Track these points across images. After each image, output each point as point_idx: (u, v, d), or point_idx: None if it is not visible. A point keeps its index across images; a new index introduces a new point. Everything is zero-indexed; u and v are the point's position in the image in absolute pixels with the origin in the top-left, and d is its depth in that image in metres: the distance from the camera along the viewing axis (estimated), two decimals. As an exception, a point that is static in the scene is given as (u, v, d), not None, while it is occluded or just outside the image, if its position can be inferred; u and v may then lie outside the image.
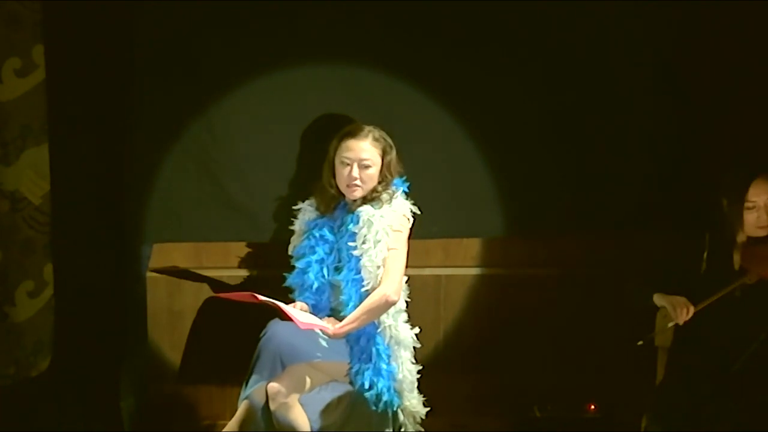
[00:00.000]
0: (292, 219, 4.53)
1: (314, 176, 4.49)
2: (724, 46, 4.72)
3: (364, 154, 4.35)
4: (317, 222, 4.47)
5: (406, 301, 4.41)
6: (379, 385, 4.26)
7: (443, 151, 4.79)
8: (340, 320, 4.33)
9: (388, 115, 4.67)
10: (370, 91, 4.72)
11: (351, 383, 4.30)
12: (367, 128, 4.39)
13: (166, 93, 4.67)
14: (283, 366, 4.20)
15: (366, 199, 4.38)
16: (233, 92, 4.70)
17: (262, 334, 4.27)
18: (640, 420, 4.39)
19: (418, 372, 4.40)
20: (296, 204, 4.55)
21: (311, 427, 4.24)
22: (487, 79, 4.75)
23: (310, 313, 4.41)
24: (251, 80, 4.70)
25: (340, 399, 4.29)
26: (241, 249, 4.91)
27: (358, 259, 4.31)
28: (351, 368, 4.30)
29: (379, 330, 4.32)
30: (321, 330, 4.28)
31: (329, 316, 4.43)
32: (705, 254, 4.35)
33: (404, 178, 4.45)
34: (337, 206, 4.46)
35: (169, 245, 4.88)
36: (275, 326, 4.27)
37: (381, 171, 4.39)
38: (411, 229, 4.39)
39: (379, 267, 4.28)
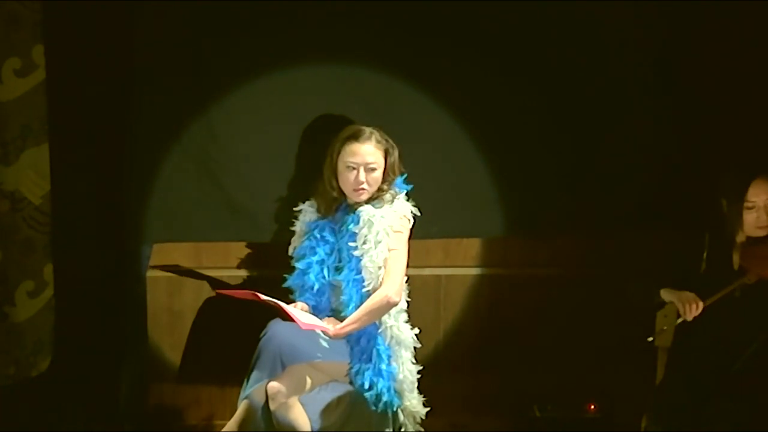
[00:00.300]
0: (293, 220, 4.53)
1: (314, 176, 4.49)
2: (724, 45, 4.72)
3: (369, 158, 4.35)
4: (318, 223, 4.46)
5: (407, 301, 4.41)
6: (379, 386, 4.26)
7: (443, 151, 4.79)
8: (341, 320, 4.33)
9: (388, 115, 4.67)
10: (370, 91, 4.72)
11: (351, 383, 4.30)
12: (368, 130, 4.39)
13: (166, 93, 4.66)
14: (284, 366, 4.20)
15: (368, 199, 4.38)
16: (233, 92, 4.70)
17: (262, 334, 4.27)
18: (640, 420, 4.40)
19: (418, 372, 4.40)
20: (297, 204, 4.55)
21: (311, 427, 4.24)
22: (487, 79, 4.75)
23: (311, 313, 4.40)
24: (251, 80, 4.70)
25: (340, 399, 4.29)
26: (241, 249, 4.90)
27: (359, 259, 4.31)
28: (351, 368, 4.30)
29: (379, 330, 4.32)
30: (321, 330, 4.28)
31: (330, 316, 4.43)
32: (705, 254, 4.35)
33: (405, 175, 4.44)
34: (339, 208, 4.45)
35: (169, 245, 4.88)
36: (276, 326, 4.27)
37: (384, 172, 4.39)
38: (411, 230, 4.39)
39: (380, 267, 4.28)
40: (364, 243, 4.30)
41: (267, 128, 4.73)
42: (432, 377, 4.49)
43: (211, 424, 4.90)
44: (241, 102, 4.70)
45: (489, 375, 4.96)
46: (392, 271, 4.28)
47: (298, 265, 4.47)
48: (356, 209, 4.37)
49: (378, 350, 4.29)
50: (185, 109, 4.69)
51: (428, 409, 4.44)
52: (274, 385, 4.17)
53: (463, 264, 5.00)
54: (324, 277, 4.43)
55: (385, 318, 4.31)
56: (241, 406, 4.30)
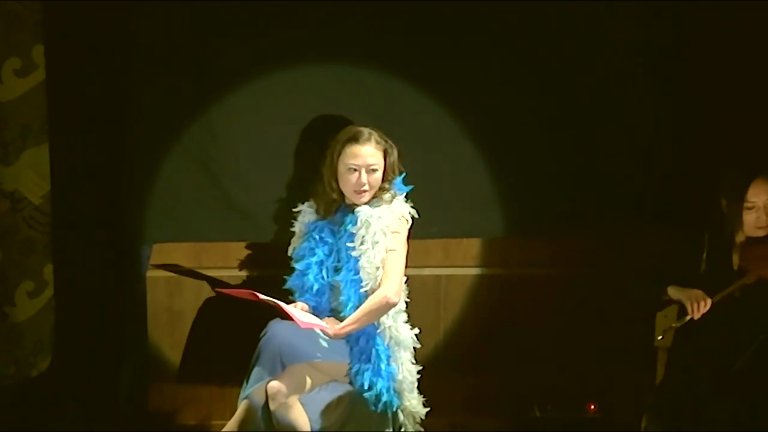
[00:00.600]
0: (292, 221, 4.53)
1: (314, 176, 4.49)
2: (723, 45, 4.72)
3: (370, 160, 4.34)
4: (317, 224, 4.46)
5: (406, 302, 4.41)
6: (379, 386, 4.26)
7: (443, 151, 4.79)
8: (341, 321, 4.33)
9: (388, 115, 4.67)
10: (370, 91, 4.72)
11: (351, 383, 4.30)
12: (367, 131, 4.38)
13: (166, 93, 4.67)
14: (283, 366, 4.20)
15: (367, 200, 4.38)
16: (233, 92, 4.70)
17: (262, 334, 4.27)
18: (640, 420, 4.40)
19: (418, 372, 4.40)
20: (297, 204, 4.54)
21: (311, 427, 4.24)
22: (487, 79, 4.75)
23: (311, 313, 4.40)
24: (251, 80, 4.70)
25: (340, 399, 4.29)
26: (241, 249, 4.90)
27: (357, 260, 4.31)
28: (350, 368, 4.30)
29: (379, 331, 4.32)
30: (321, 330, 4.28)
31: (329, 317, 4.42)
32: (704, 254, 4.35)
33: (404, 175, 4.44)
34: (338, 209, 4.45)
35: (169, 245, 4.88)
36: (275, 326, 4.26)
37: (384, 172, 4.38)
38: (410, 230, 4.39)
39: (378, 268, 4.28)
40: (362, 243, 4.30)
41: (267, 128, 4.73)
42: (432, 377, 4.49)
43: (210, 424, 4.90)
44: (241, 102, 4.70)
45: (489, 375, 4.96)
46: (391, 271, 4.28)
47: (298, 266, 4.47)
48: (354, 210, 4.37)
49: (377, 350, 4.29)
50: (185, 109, 4.69)
51: (428, 409, 4.43)
52: (273, 385, 4.17)
53: (463, 264, 4.99)
54: (323, 278, 4.43)
55: (383, 318, 4.30)
56: (241, 406, 4.30)
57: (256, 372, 4.22)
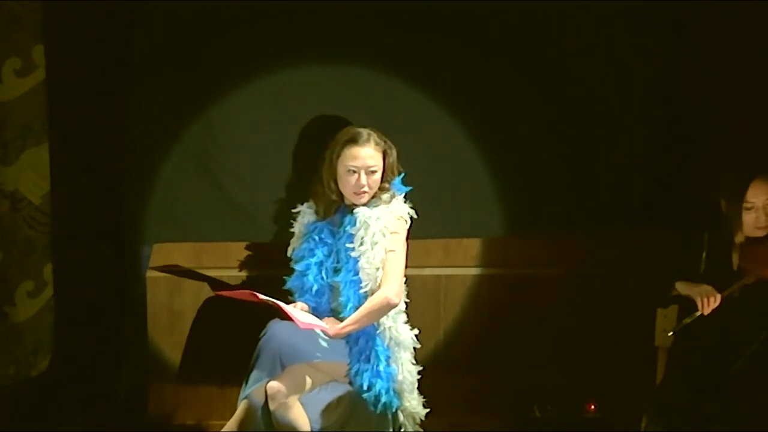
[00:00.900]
0: (292, 221, 4.53)
1: (314, 177, 4.48)
2: (723, 46, 4.72)
3: (370, 161, 4.34)
4: (317, 225, 4.46)
5: (405, 302, 4.41)
6: (378, 387, 4.25)
7: (443, 151, 4.79)
8: (340, 321, 4.33)
9: (388, 115, 4.67)
10: (370, 91, 4.72)
11: (350, 384, 4.30)
12: (366, 132, 4.37)
13: (166, 93, 4.67)
14: (283, 366, 4.20)
15: (366, 201, 4.38)
16: (233, 92, 4.70)
17: (262, 334, 4.27)
18: (640, 420, 4.39)
19: (418, 373, 4.40)
20: (297, 203, 4.54)
21: (311, 427, 4.24)
22: (487, 79, 4.75)
23: (311, 314, 4.40)
24: (251, 80, 4.70)
25: (339, 399, 4.29)
26: (241, 249, 4.90)
27: (356, 260, 4.30)
28: (350, 369, 4.30)
29: (378, 331, 4.31)
30: (321, 330, 4.28)
31: (329, 317, 4.42)
32: (704, 255, 4.35)
33: (404, 175, 4.44)
34: (337, 210, 4.45)
35: (169, 245, 4.88)
36: (275, 326, 4.27)
37: (384, 172, 4.38)
38: (409, 230, 4.38)
39: (377, 269, 4.27)
40: (361, 244, 4.30)
41: (267, 128, 4.74)
42: (432, 377, 4.49)
43: (210, 424, 4.90)
44: (241, 102, 4.71)
45: (489, 375, 4.96)
46: (391, 272, 4.28)
47: (297, 267, 4.47)
48: (353, 211, 4.36)
49: (377, 351, 4.29)
50: (185, 109, 4.69)
51: (428, 410, 4.43)
52: (273, 385, 4.17)
53: (463, 264, 4.99)
54: (323, 279, 4.43)
55: (383, 319, 4.30)
56: (241, 406, 4.30)
57: (255, 372, 4.22)
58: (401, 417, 4.38)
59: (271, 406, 4.18)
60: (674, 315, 4.43)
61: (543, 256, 4.98)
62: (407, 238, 4.36)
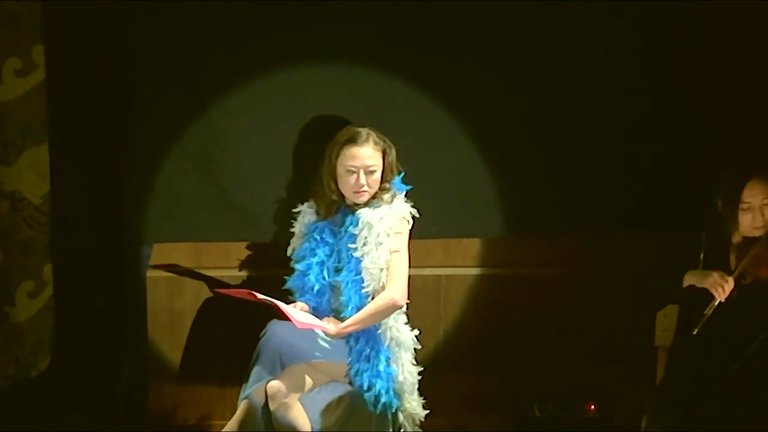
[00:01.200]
0: (292, 221, 4.53)
1: (314, 177, 4.48)
2: (721, 46, 4.72)
3: (369, 161, 4.34)
4: (318, 225, 4.46)
5: (406, 302, 4.41)
6: (378, 387, 4.25)
7: (443, 152, 4.79)
8: (341, 321, 4.33)
9: (388, 116, 4.67)
10: (370, 91, 4.72)
11: (351, 384, 4.30)
12: (365, 132, 4.38)
13: (166, 93, 4.67)
14: (283, 366, 4.20)
15: (367, 201, 4.38)
16: (233, 92, 4.70)
17: (262, 334, 4.27)
18: (640, 420, 4.39)
19: (419, 373, 4.40)
20: (297, 203, 4.54)
21: (311, 427, 4.24)
22: (487, 79, 4.75)
23: (311, 314, 4.40)
24: (251, 80, 4.70)
25: (339, 399, 4.29)
26: (241, 249, 4.90)
27: (358, 260, 4.30)
28: (350, 369, 4.30)
29: (379, 331, 4.32)
30: (322, 330, 4.27)
31: (330, 317, 4.42)
32: (702, 255, 4.35)
33: (403, 174, 4.44)
34: (338, 210, 4.45)
35: (169, 245, 4.88)
36: (275, 326, 4.27)
37: (383, 172, 4.39)
38: (410, 230, 4.38)
39: (381, 269, 4.28)
40: (365, 245, 4.29)
41: (267, 128, 4.74)
42: (432, 377, 4.49)
43: (211, 424, 4.90)
44: (241, 102, 4.71)
45: (489, 375, 4.96)
46: (396, 273, 4.28)
47: (298, 267, 4.47)
48: (355, 211, 4.36)
49: (377, 351, 4.29)
50: (185, 109, 4.69)
51: (428, 411, 4.43)
52: (273, 385, 4.17)
53: (463, 264, 4.99)
54: (324, 279, 4.42)
55: (384, 319, 4.31)
56: (241, 406, 4.30)
57: (255, 372, 4.23)
58: (401, 417, 4.38)
59: (272, 406, 4.18)
60: (674, 315, 4.43)
61: (543, 256, 4.98)
62: (409, 238, 4.36)
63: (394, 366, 4.32)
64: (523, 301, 4.94)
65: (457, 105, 4.75)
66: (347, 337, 4.30)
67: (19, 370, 4.68)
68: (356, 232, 4.33)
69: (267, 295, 4.27)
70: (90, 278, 4.75)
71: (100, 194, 4.71)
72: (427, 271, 4.95)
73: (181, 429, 4.91)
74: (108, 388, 4.74)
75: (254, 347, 4.26)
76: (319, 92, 4.71)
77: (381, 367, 4.28)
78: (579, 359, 4.91)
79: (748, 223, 4.25)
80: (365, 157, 4.34)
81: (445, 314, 4.97)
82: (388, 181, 4.39)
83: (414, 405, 4.40)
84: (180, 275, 4.89)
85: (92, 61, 4.60)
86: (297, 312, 4.28)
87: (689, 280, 4.27)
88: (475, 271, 4.99)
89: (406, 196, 4.42)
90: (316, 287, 4.42)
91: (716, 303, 4.18)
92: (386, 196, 4.37)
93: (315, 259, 4.43)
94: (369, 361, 4.27)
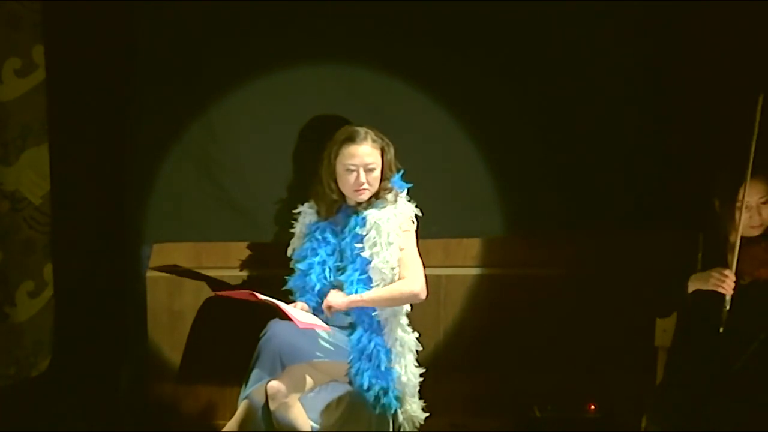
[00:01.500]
0: (293, 221, 4.53)
1: (314, 177, 4.49)
2: (719, 46, 4.72)
3: (368, 159, 4.35)
4: (318, 225, 4.46)
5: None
6: (377, 387, 4.25)
7: (443, 152, 4.80)
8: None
9: (387, 115, 4.67)
10: (370, 91, 4.73)
11: (351, 383, 4.30)
12: (363, 130, 4.38)
13: (166, 93, 4.67)
14: (283, 366, 4.20)
15: (370, 201, 4.38)
16: (233, 92, 4.70)
17: (262, 334, 4.27)
18: (640, 420, 4.39)
19: (420, 375, 4.40)
20: (297, 203, 4.55)
21: (311, 427, 4.24)
22: (486, 79, 4.75)
23: (312, 314, 4.40)
24: (251, 80, 4.70)
25: (340, 399, 4.29)
26: (241, 249, 4.90)
27: (363, 259, 4.31)
28: (350, 369, 4.30)
29: (384, 331, 4.32)
30: (323, 330, 4.28)
31: (335, 289, 4.42)
32: (700, 255, 4.35)
33: (402, 171, 4.44)
34: (339, 209, 4.45)
35: (169, 245, 4.88)
36: (275, 326, 4.26)
37: (382, 170, 4.39)
38: (416, 230, 4.40)
39: (393, 268, 4.29)
40: (374, 246, 4.30)
41: (267, 128, 4.74)
42: (432, 377, 4.49)
43: (211, 424, 4.89)
44: (241, 102, 4.71)
45: (489, 375, 4.96)
46: (412, 268, 4.31)
47: (299, 267, 4.47)
48: (360, 211, 4.37)
49: (378, 351, 4.29)
50: (185, 109, 4.69)
51: (427, 414, 4.44)
52: (273, 385, 4.17)
53: (463, 264, 4.99)
54: (326, 278, 4.42)
55: (389, 318, 4.31)
56: (241, 406, 4.30)
57: (255, 372, 4.22)
58: (401, 417, 4.38)
59: (272, 406, 4.18)
60: (674, 315, 4.43)
61: (543, 256, 4.98)
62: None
63: (397, 367, 4.33)
64: (523, 301, 4.94)
65: (456, 105, 4.75)
66: (350, 336, 4.31)
67: (19, 370, 4.68)
68: (363, 233, 4.33)
69: (267, 296, 4.27)
70: (90, 278, 4.75)
71: (100, 194, 4.71)
72: (427, 271, 4.93)
73: (180, 429, 4.90)
74: (108, 388, 4.74)
75: (254, 347, 4.26)
76: (319, 92, 4.71)
77: (382, 367, 4.28)
78: (579, 359, 4.91)
79: (745, 223, 4.25)
80: (364, 155, 4.35)
81: (445, 314, 4.97)
82: (388, 179, 4.39)
83: (414, 407, 4.40)
84: (180, 275, 4.89)
85: (92, 61, 4.60)
86: (298, 312, 4.28)
87: (694, 285, 4.27)
88: (475, 271, 4.99)
89: (407, 194, 4.42)
90: (318, 287, 4.42)
91: (728, 297, 4.19)
92: (389, 196, 4.37)
93: (317, 259, 4.43)
94: (370, 360, 4.28)
